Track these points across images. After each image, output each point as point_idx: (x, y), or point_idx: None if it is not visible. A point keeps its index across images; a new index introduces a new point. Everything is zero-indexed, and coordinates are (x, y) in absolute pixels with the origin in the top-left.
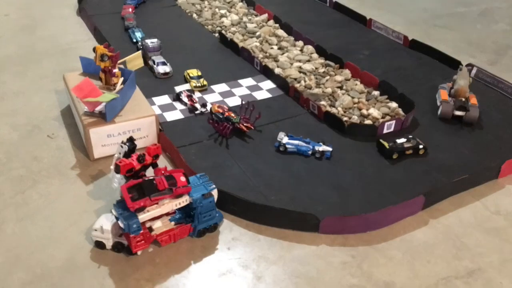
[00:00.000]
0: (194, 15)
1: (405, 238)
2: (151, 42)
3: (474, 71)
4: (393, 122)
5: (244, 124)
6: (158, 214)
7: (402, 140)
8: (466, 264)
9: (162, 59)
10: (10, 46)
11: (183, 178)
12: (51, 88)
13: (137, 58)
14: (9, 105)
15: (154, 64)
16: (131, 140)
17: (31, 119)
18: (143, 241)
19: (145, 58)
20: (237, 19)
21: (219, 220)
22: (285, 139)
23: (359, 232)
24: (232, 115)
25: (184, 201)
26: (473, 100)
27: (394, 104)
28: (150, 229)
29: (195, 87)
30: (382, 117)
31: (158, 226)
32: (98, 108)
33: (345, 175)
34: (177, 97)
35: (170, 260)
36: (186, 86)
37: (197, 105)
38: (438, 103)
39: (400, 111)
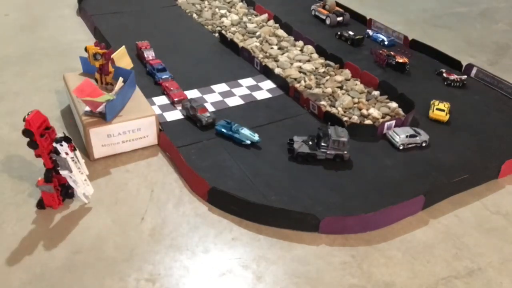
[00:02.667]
0: (194, 15)
1: (405, 238)
2: None
3: (474, 71)
4: (393, 122)
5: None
6: None
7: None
8: (466, 264)
9: None
10: (10, 46)
11: None
12: (51, 88)
13: (124, 57)
14: (9, 105)
15: None
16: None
17: None
18: None
19: None
20: (237, 19)
21: None
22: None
23: (359, 232)
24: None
25: None
26: (339, 9)
27: (394, 104)
28: None
29: None
30: (382, 117)
31: None
32: (99, 109)
33: (345, 175)
34: None
35: (169, 260)
36: None
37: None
38: (323, 17)
39: (400, 111)
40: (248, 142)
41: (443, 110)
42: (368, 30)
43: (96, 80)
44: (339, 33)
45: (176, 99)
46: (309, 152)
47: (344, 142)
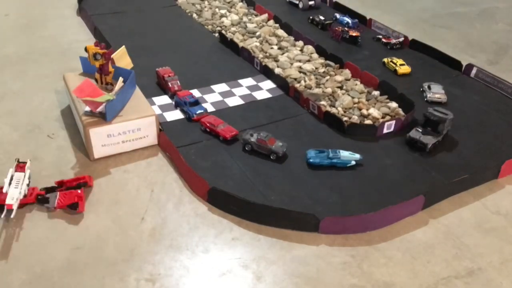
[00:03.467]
0: (194, 15)
1: (405, 238)
2: None
3: (474, 71)
4: (393, 122)
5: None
6: None
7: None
8: (466, 264)
9: None
10: (10, 46)
11: None
12: (51, 88)
13: (124, 57)
14: (9, 105)
15: None
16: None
17: (31, 119)
18: None
19: None
20: (237, 19)
21: None
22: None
23: (359, 232)
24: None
25: None
26: None
27: (394, 104)
28: None
29: None
30: (382, 117)
31: None
32: (99, 109)
33: (345, 175)
34: None
35: (169, 260)
36: None
37: None
38: (296, 2)
39: (400, 111)
40: (353, 163)
41: (404, 64)
42: (336, 14)
43: (96, 80)
44: (311, 17)
45: (229, 137)
46: (435, 140)
47: (452, 118)
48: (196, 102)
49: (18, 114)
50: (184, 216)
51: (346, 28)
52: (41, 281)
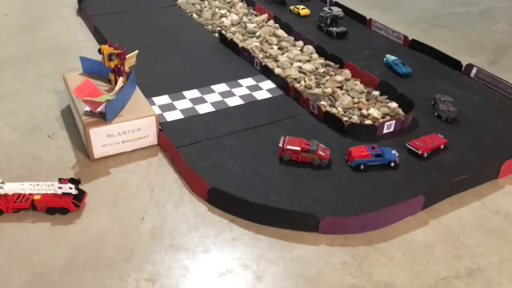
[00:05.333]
0: (194, 15)
1: (405, 238)
2: None
3: (474, 71)
4: (393, 122)
5: None
6: None
7: None
8: (466, 264)
9: None
10: (10, 46)
11: None
12: (51, 88)
13: (132, 57)
14: (9, 105)
15: None
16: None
17: (31, 119)
18: None
19: None
20: (237, 19)
21: None
22: None
23: (358, 232)
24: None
25: None
26: None
27: (394, 104)
28: None
29: None
30: (382, 117)
31: None
32: (99, 109)
33: (345, 175)
34: None
35: (169, 260)
36: None
37: None
38: None
39: (400, 111)
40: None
41: (305, 8)
42: None
43: (110, 81)
44: None
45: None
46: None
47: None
48: (380, 153)
49: (18, 114)
50: (184, 216)
51: None
52: (41, 281)
